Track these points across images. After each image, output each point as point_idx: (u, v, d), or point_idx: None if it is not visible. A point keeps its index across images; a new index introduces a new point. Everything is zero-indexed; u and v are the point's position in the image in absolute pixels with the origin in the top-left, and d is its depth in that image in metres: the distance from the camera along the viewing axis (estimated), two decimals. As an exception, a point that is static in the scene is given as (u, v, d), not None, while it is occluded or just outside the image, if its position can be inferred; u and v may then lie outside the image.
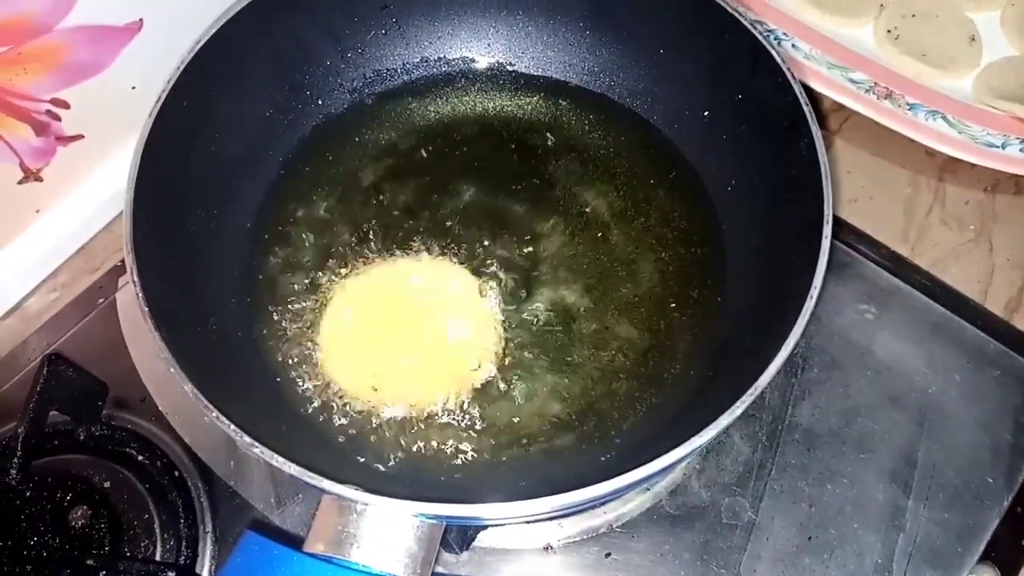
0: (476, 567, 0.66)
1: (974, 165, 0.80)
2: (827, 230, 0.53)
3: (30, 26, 0.65)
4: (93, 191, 0.78)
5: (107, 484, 0.66)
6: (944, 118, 0.82)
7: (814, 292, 0.51)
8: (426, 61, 0.79)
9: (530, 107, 0.78)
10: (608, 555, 0.66)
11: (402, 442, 0.63)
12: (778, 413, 0.71)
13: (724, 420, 0.49)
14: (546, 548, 0.66)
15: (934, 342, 0.74)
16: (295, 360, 0.66)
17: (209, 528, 0.66)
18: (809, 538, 0.66)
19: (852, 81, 0.85)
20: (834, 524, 0.67)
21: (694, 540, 0.66)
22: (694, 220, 0.71)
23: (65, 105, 0.71)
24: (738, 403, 0.49)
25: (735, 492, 0.67)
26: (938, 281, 0.78)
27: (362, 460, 0.62)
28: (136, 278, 0.53)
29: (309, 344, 0.67)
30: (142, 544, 0.64)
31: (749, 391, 0.49)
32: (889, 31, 0.89)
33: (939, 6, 0.91)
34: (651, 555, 0.66)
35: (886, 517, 0.67)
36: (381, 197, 0.74)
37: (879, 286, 0.77)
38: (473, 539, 0.65)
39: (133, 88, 0.75)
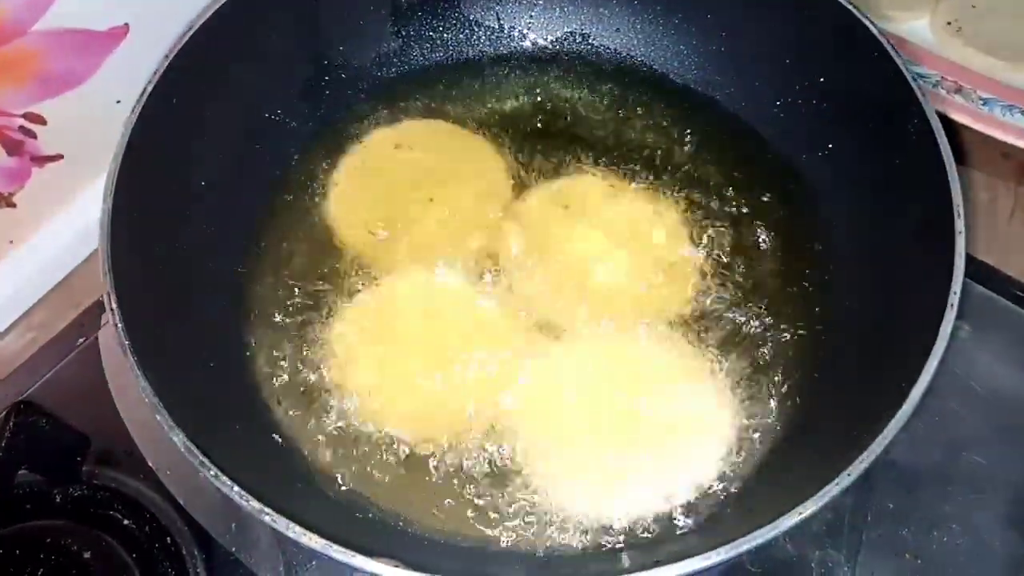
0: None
1: (1058, 165, 0.73)
2: (960, 225, 0.44)
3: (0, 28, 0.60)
4: (73, 219, 0.73)
5: (87, 554, 0.61)
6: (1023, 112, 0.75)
7: (950, 315, 0.41)
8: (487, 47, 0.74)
9: (604, 96, 0.74)
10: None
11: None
12: (869, 448, 0.62)
13: (832, 489, 0.40)
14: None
15: (1040, 362, 0.66)
16: (297, 405, 0.60)
17: (207, 605, 0.61)
18: (916, 596, 0.59)
19: (918, 76, 0.77)
20: (945, 579, 0.60)
21: (782, 603, 0.59)
22: (786, 222, 0.65)
23: (41, 121, 0.67)
24: (856, 463, 0.40)
25: (826, 544, 0.61)
26: (1035, 293, 0.70)
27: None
28: (115, 306, 0.46)
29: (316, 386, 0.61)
30: (129, 624, 0.59)
31: (870, 448, 0.40)
32: (949, 23, 0.83)
33: (1000, -5, 0.84)
34: (732, 621, 0.58)
35: (1007, 569, 0.60)
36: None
37: (971, 300, 0.69)
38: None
39: (118, 102, 0.70)
